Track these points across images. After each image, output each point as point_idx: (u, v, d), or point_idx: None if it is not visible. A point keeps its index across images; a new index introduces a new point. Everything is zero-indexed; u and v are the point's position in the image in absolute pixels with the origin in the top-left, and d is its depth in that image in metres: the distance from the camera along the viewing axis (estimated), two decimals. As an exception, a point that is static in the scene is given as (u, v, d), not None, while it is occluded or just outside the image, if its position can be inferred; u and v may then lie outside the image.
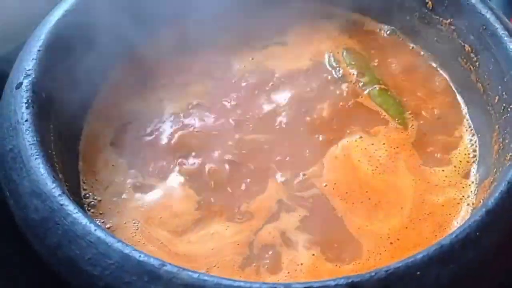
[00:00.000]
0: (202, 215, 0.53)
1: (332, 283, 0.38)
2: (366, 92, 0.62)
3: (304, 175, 0.55)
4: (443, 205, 0.54)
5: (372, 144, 0.58)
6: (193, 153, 0.57)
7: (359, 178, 0.55)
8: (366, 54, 0.66)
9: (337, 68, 0.64)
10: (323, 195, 0.54)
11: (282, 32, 0.68)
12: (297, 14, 0.69)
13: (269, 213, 0.53)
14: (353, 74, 0.64)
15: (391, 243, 0.51)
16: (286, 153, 0.57)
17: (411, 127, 0.59)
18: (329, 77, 0.64)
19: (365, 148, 0.57)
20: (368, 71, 0.64)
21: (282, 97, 0.62)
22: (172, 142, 0.58)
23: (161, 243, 0.51)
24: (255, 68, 0.65)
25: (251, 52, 0.66)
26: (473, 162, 0.57)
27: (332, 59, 0.65)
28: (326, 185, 0.55)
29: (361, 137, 0.58)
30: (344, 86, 0.63)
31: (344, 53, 0.66)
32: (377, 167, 0.56)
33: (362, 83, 0.63)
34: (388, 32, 0.68)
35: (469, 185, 0.55)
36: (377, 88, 0.62)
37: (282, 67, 0.65)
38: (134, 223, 0.52)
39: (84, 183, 0.55)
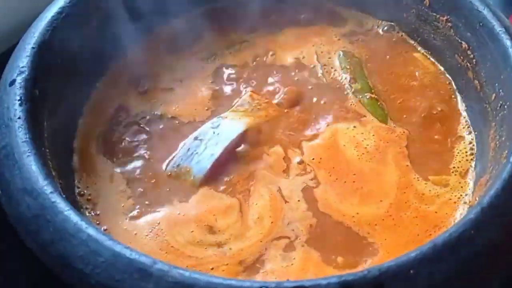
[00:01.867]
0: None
1: (324, 282, 0.38)
2: (356, 98, 0.61)
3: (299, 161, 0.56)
4: (439, 204, 0.53)
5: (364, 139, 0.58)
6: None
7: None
8: (362, 57, 0.65)
9: (331, 71, 0.64)
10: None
11: (276, 32, 0.68)
12: (295, 11, 0.69)
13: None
14: (345, 79, 0.63)
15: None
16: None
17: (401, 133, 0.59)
18: (321, 79, 0.63)
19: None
20: (361, 78, 0.63)
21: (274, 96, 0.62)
22: (167, 138, 0.58)
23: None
24: (246, 67, 0.65)
25: (245, 50, 0.66)
26: (471, 160, 0.57)
27: (325, 61, 0.65)
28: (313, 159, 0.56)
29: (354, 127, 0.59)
30: (335, 89, 0.62)
31: (341, 56, 0.65)
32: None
33: (353, 89, 0.62)
34: (385, 29, 0.68)
35: (467, 183, 0.55)
36: (368, 97, 0.61)
37: (273, 68, 0.64)
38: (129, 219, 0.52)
39: (78, 181, 0.54)
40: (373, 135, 0.58)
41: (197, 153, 0.55)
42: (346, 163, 0.56)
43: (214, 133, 0.57)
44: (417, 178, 0.55)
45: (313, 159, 0.56)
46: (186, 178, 0.54)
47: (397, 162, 0.56)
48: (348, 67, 0.64)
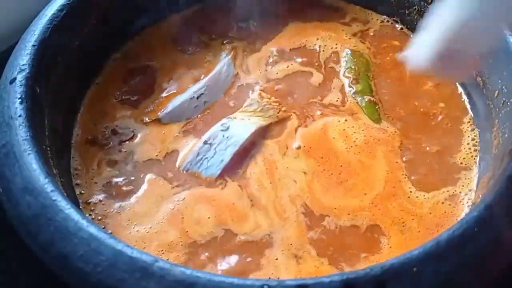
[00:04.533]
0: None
1: (327, 280, 0.38)
2: (355, 100, 0.61)
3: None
4: (442, 202, 0.53)
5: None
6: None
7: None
8: (370, 56, 0.65)
9: (335, 67, 0.64)
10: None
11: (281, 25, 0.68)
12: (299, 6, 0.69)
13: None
14: (347, 78, 0.63)
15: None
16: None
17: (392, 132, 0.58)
18: (323, 75, 0.63)
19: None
20: (364, 79, 0.62)
21: (276, 92, 0.62)
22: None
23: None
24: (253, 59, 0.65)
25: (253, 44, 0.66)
26: (475, 156, 0.56)
27: (331, 57, 0.65)
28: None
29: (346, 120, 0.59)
30: (334, 88, 0.62)
31: (348, 55, 0.64)
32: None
33: (354, 90, 0.61)
34: (388, 24, 0.68)
35: (470, 180, 0.55)
36: (367, 100, 0.60)
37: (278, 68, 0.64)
38: (130, 220, 0.52)
39: (79, 179, 0.54)
40: (363, 130, 0.58)
41: (206, 158, 0.55)
42: (334, 154, 0.56)
43: (223, 136, 0.56)
44: (406, 175, 0.55)
45: (304, 146, 0.56)
46: None
47: (388, 159, 0.56)
48: (352, 67, 0.63)
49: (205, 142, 0.56)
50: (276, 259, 0.49)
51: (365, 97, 0.61)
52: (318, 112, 0.59)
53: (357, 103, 0.60)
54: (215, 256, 0.49)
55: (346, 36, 0.67)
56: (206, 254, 0.49)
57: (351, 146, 0.56)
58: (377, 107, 0.60)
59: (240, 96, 0.61)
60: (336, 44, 0.66)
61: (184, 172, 0.55)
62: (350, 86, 0.62)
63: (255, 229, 0.51)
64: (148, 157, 0.56)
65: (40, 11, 0.56)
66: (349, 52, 0.65)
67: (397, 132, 0.58)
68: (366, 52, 0.65)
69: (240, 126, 0.57)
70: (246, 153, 0.56)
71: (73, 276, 0.41)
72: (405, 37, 0.67)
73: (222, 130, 0.57)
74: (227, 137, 0.56)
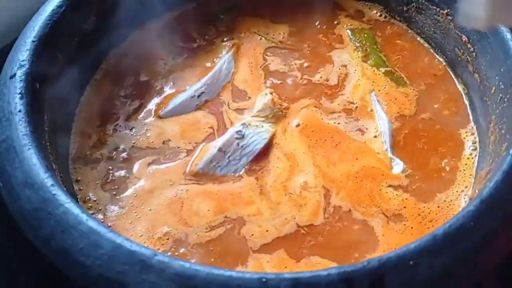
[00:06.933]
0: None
1: (324, 273, 0.38)
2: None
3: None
4: (439, 197, 0.53)
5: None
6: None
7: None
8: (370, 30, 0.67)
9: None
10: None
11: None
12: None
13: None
14: (359, 52, 0.64)
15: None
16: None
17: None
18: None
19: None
20: (374, 53, 0.64)
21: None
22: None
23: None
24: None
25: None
26: (472, 152, 0.57)
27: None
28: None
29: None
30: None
31: (349, 34, 0.66)
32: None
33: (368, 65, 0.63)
34: (386, 20, 0.68)
35: (467, 175, 0.55)
36: (383, 71, 0.62)
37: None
38: (128, 212, 0.52)
39: (78, 173, 0.54)
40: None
41: (219, 166, 0.55)
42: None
43: (238, 145, 0.56)
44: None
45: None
46: None
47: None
48: (358, 44, 0.65)
49: (220, 150, 0.55)
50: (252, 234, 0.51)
51: (381, 69, 0.62)
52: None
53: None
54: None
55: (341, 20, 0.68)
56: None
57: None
58: (395, 75, 0.62)
59: (240, 92, 0.61)
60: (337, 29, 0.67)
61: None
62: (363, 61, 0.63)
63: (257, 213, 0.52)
64: (147, 155, 0.56)
65: (40, 7, 0.56)
66: (349, 32, 0.66)
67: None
68: (366, 27, 0.67)
69: (255, 134, 0.57)
70: (259, 159, 0.56)
71: (74, 270, 0.41)
72: (404, 34, 0.67)
73: (237, 139, 0.56)
74: (242, 147, 0.56)
